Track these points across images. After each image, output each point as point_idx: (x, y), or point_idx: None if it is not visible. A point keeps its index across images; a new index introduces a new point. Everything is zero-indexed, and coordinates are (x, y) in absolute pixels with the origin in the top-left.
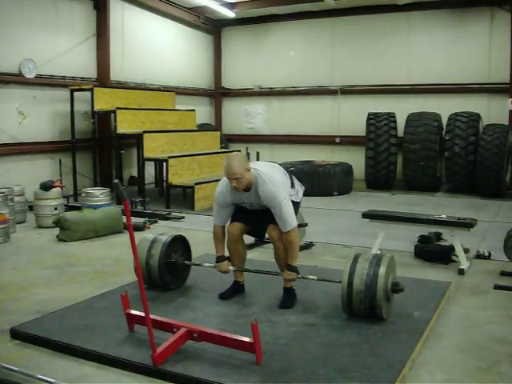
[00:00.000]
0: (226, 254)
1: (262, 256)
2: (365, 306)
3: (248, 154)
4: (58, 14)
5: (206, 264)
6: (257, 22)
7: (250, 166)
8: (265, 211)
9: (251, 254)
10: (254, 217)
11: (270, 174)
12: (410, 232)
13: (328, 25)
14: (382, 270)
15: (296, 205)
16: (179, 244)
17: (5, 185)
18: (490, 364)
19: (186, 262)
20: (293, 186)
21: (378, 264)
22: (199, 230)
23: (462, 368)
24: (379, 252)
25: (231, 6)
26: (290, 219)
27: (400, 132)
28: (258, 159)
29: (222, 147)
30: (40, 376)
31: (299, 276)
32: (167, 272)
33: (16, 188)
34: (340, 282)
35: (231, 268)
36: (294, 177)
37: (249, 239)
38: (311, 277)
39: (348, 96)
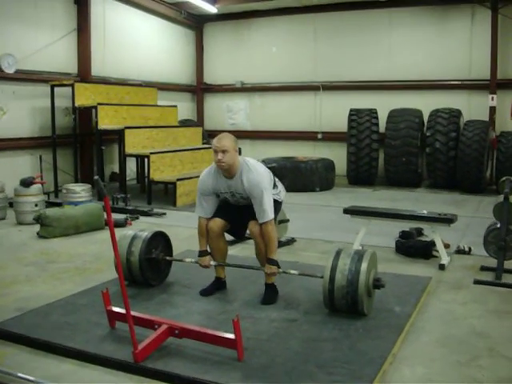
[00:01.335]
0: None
1: (243, 252)
2: (346, 301)
3: None
4: (38, 8)
5: (188, 259)
6: (239, 17)
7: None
8: (246, 207)
9: (232, 251)
10: (235, 213)
11: (257, 165)
12: (391, 227)
13: (310, 21)
14: (364, 266)
15: (278, 204)
16: (160, 240)
17: None
18: (469, 358)
19: (167, 257)
20: (275, 186)
21: (359, 260)
22: (181, 227)
23: (442, 362)
24: (360, 247)
25: (213, 1)
26: (269, 210)
27: (382, 128)
28: (239, 154)
29: (204, 143)
30: (20, 374)
31: (280, 270)
32: (148, 268)
33: None
34: (322, 277)
35: (213, 263)
36: (276, 178)
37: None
38: (292, 271)
39: (330, 92)
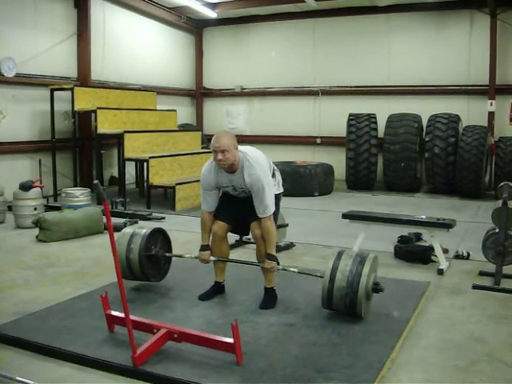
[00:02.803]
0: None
1: (243, 256)
2: (345, 303)
3: None
4: (38, 12)
5: (187, 255)
6: (238, 22)
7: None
8: (248, 201)
9: (233, 255)
10: (237, 211)
11: (257, 158)
12: (389, 232)
13: (309, 26)
14: (366, 269)
15: (277, 197)
16: (158, 237)
17: None
18: (468, 363)
19: (167, 253)
20: (273, 176)
21: (361, 262)
22: (180, 231)
23: (440, 367)
24: None
25: (213, 6)
26: (270, 204)
27: (381, 133)
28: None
29: (203, 147)
30: (18, 378)
31: (280, 267)
32: (148, 265)
33: None
34: (322, 277)
35: (212, 258)
36: (275, 167)
37: (230, 239)
38: (292, 269)
39: (329, 97)
